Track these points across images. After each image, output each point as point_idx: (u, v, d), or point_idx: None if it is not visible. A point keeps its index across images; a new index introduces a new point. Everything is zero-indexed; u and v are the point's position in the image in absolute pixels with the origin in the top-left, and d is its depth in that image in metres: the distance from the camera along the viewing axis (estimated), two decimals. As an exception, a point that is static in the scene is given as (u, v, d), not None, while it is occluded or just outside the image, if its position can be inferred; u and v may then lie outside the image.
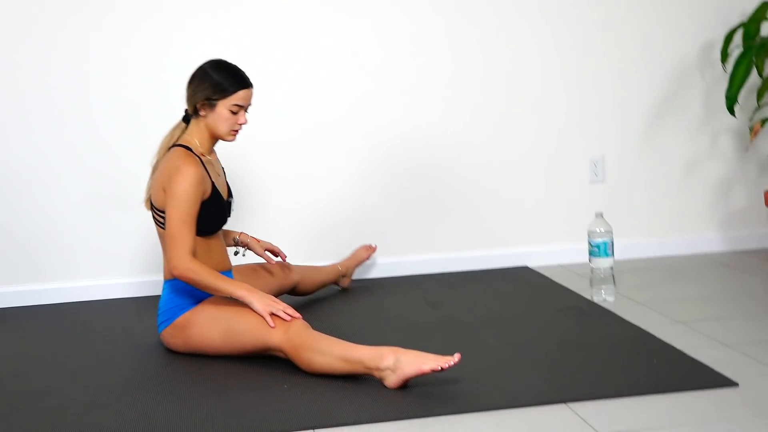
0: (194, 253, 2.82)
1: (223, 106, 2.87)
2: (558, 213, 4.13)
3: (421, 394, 2.48)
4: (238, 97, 2.87)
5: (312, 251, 3.91)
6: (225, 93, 2.86)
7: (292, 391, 2.55)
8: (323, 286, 3.66)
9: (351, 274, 3.81)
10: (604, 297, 3.38)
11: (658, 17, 4.10)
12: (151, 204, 2.93)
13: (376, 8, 3.94)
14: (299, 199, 3.95)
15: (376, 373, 2.54)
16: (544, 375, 2.58)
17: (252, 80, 2.94)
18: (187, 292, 2.91)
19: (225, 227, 3.16)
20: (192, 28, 3.84)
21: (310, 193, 3.96)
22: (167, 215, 2.81)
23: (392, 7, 3.95)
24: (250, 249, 3.26)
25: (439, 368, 2.45)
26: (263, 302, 2.75)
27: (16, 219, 3.79)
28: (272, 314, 2.75)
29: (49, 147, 3.78)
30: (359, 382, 2.58)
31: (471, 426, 2.27)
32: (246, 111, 2.93)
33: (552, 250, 4.12)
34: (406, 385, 2.51)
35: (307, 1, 3.89)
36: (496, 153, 4.07)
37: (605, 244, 3.38)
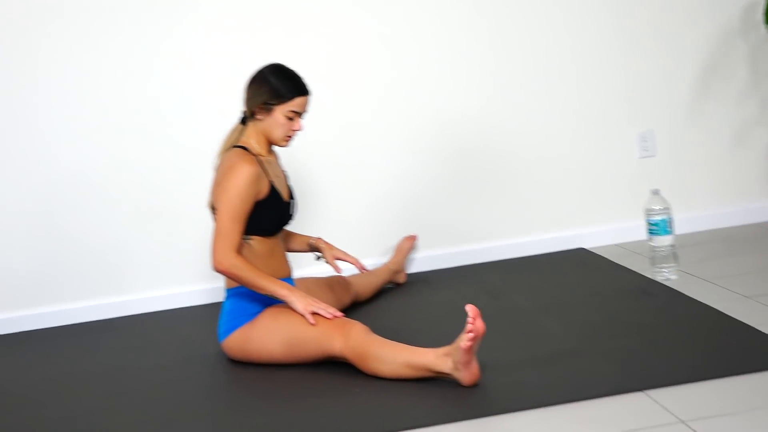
0: (239, 251, 2.82)
1: (280, 112, 2.86)
2: (610, 191, 4.07)
3: (494, 389, 2.45)
4: (295, 103, 2.86)
5: (366, 249, 3.90)
6: (282, 99, 2.85)
7: (363, 394, 2.54)
8: (381, 288, 3.65)
9: (404, 269, 3.80)
10: (667, 276, 3.33)
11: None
12: (212, 205, 2.94)
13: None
14: (349, 198, 3.94)
15: (444, 377, 2.52)
16: (616, 362, 2.54)
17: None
18: (249, 300, 2.90)
19: (300, 231, 3.19)
20: (226, 31, 3.83)
21: (358, 192, 3.95)
22: (218, 210, 2.81)
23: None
24: (321, 254, 3.21)
25: (471, 334, 2.39)
26: (304, 302, 2.75)
27: (73, 236, 3.83)
28: (324, 318, 2.75)
29: (106, 159, 3.82)
30: (430, 382, 2.55)
31: (548, 422, 2.24)
32: (301, 117, 2.92)
33: (606, 229, 4.07)
34: (479, 382, 2.48)
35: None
36: (541, 134, 4.02)
37: (664, 221, 3.32)
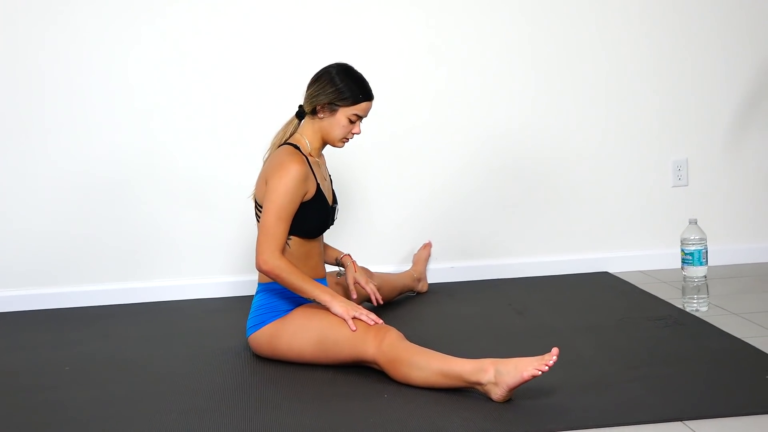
0: (284, 251, 2.78)
1: (344, 114, 2.84)
2: (639, 217, 4.05)
3: (529, 408, 2.41)
4: (360, 107, 2.85)
5: (393, 256, 3.90)
6: (349, 101, 2.83)
7: (394, 402, 2.50)
8: (402, 291, 3.63)
9: (425, 277, 3.77)
10: (697, 307, 3.30)
11: (738, 15, 4.00)
12: (255, 199, 2.90)
13: (459, 4, 3.88)
14: (384, 204, 3.94)
15: (479, 388, 2.47)
16: (652, 390, 2.50)
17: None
18: (280, 297, 2.87)
19: (331, 243, 3.17)
20: (272, 27, 3.81)
21: (393, 199, 3.95)
22: (264, 208, 2.78)
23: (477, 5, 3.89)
24: (344, 272, 3.15)
25: (540, 372, 2.37)
26: (345, 307, 2.71)
27: (114, 220, 3.83)
28: (359, 321, 2.71)
29: (147, 148, 3.82)
30: (461, 394, 2.52)
31: (589, 443, 2.21)
32: (361, 122, 2.89)
33: (632, 255, 4.04)
34: (512, 397, 2.45)
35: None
36: (577, 155, 4.00)
37: (699, 252, 3.29)
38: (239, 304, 3.58)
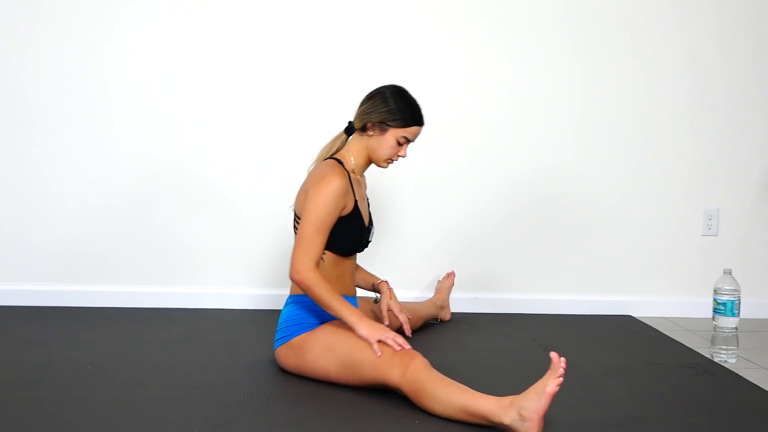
0: (318, 265, 2.75)
1: (393, 135, 2.85)
2: (666, 264, 4.02)
3: (563, 446, 2.37)
4: (410, 131, 2.86)
5: (423, 284, 3.88)
6: (400, 122, 2.84)
7: (425, 428, 2.45)
8: (428, 320, 3.60)
9: (448, 305, 3.74)
10: (726, 358, 3.26)
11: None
12: (294, 210, 2.88)
13: (500, 36, 3.88)
14: (416, 231, 3.93)
15: (504, 428, 2.41)
16: (688, 438, 2.46)
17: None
18: (310, 311, 2.83)
19: (370, 269, 3.16)
20: (322, 50, 3.81)
21: (425, 227, 3.93)
22: (302, 218, 2.75)
23: (519, 40, 3.89)
24: (379, 298, 3.14)
25: (560, 379, 2.34)
26: (371, 329, 2.66)
27: (145, 223, 3.82)
28: (386, 346, 2.67)
29: (179, 155, 3.82)
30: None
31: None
32: (408, 145, 2.91)
33: (656, 301, 4.01)
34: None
35: (435, 29, 3.85)
36: (609, 197, 3.98)
37: (732, 303, 3.26)
38: (266, 317, 3.55)
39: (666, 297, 4.01)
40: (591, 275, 4.00)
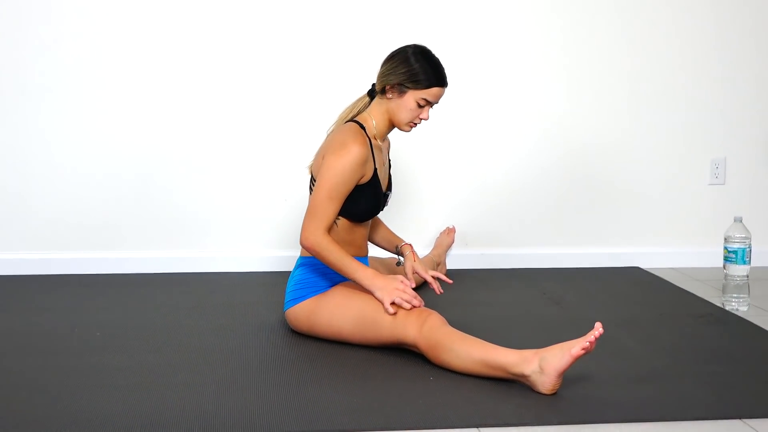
0: (329, 230, 2.70)
1: (413, 97, 2.70)
2: (673, 214, 3.99)
3: (581, 398, 2.34)
4: (430, 92, 2.70)
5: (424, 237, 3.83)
6: (418, 84, 2.69)
7: (440, 384, 2.43)
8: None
9: (444, 262, 3.72)
10: (736, 306, 3.24)
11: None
12: (311, 172, 2.81)
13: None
14: (424, 186, 3.88)
15: (523, 380, 2.39)
16: (706, 386, 2.44)
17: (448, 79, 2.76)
18: (321, 273, 2.79)
19: (392, 228, 3.08)
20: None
21: (432, 184, 3.89)
22: (316, 185, 2.68)
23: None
24: (403, 261, 2.97)
25: (586, 350, 2.30)
26: (387, 290, 2.61)
27: (148, 188, 3.78)
28: (409, 312, 2.65)
29: (193, 120, 3.76)
30: (508, 381, 2.45)
31: (648, 437, 2.15)
32: (431, 107, 2.76)
33: (663, 251, 3.99)
34: (558, 390, 2.37)
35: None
36: (614, 149, 3.94)
37: (743, 251, 3.24)
38: (275, 279, 3.53)
39: (674, 247, 3.99)
40: (598, 227, 3.97)
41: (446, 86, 2.73)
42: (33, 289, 3.48)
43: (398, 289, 2.63)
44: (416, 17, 3.79)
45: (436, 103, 2.75)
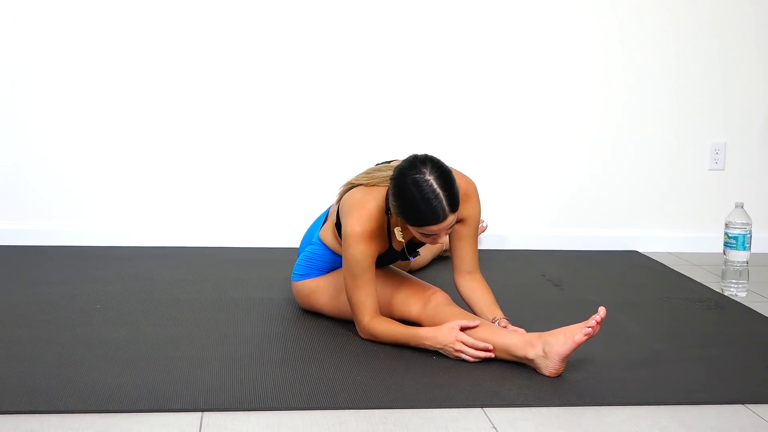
0: (377, 311, 2.58)
1: (413, 228, 2.46)
2: (672, 199, 4.00)
3: (584, 381, 2.35)
4: (427, 229, 2.41)
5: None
6: (412, 223, 2.42)
7: (443, 363, 2.43)
8: (436, 255, 3.56)
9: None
10: (736, 292, 3.25)
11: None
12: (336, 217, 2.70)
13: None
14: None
15: (527, 363, 2.39)
16: (707, 371, 2.45)
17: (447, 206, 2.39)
18: (331, 263, 2.78)
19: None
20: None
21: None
22: (344, 278, 2.57)
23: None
24: None
25: (588, 335, 2.29)
26: (447, 338, 2.45)
27: (146, 160, 3.76)
28: (408, 282, 2.64)
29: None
30: (510, 362, 2.45)
31: (652, 419, 2.14)
32: (448, 230, 2.45)
33: (662, 236, 3.99)
34: (562, 374, 2.37)
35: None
36: (614, 131, 3.94)
37: (744, 236, 3.25)
38: (275, 255, 3.54)
39: (672, 232, 3.99)
40: (596, 211, 3.97)
41: (447, 217, 2.38)
42: (30, 261, 3.46)
43: (457, 340, 2.45)
44: (414, 19, 3.77)
45: (446, 229, 2.43)
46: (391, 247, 2.64)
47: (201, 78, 3.72)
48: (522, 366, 2.41)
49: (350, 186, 2.65)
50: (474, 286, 2.69)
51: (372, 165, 2.75)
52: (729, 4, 3.90)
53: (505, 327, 2.53)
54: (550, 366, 2.34)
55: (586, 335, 2.29)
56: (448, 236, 2.58)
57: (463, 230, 2.66)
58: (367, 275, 2.54)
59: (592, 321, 2.31)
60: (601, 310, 2.33)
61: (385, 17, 3.75)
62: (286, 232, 3.67)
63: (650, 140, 3.95)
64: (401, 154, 2.59)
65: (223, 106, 3.75)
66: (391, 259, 2.71)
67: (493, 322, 2.56)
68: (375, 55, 3.77)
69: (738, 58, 3.93)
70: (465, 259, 2.69)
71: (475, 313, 2.64)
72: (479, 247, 3.76)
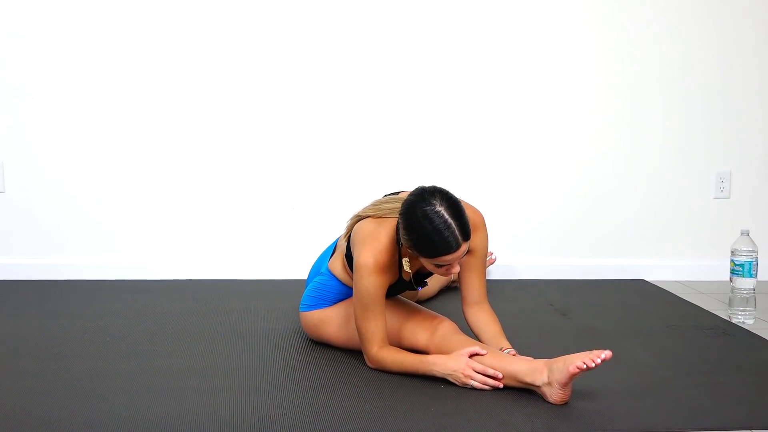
0: (385, 341, 2.59)
1: (426, 261, 2.47)
2: (678, 227, 4.01)
3: (591, 408, 2.35)
4: (441, 259, 2.42)
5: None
6: (425, 254, 2.43)
7: (451, 392, 2.44)
8: (441, 288, 3.58)
9: None
10: (743, 319, 3.26)
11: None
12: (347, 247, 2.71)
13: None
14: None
15: (534, 389, 2.41)
16: (715, 397, 2.45)
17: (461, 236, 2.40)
18: (340, 293, 2.80)
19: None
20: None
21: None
22: (354, 308, 2.59)
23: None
24: None
25: (590, 364, 2.27)
26: (458, 364, 2.47)
27: (154, 196, 3.80)
28: (417, 311, 2.67)
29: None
30: (517, 389, 2.46)
31: (660, 446, 2.15)
32: (461, 259, 2.46)
33: (668, 264, 4.01)
34: (569, 400, 2.37)
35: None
36: (620, 160, 3.96)
37: (750, 264, 3.26)
38: (281, 286, 3.56)
39: (679, 260, 4.01)
40: (603, 240, 3.99)
41: (459, 247, 2.40)
42: (43, 294, 3.50)
43: (467, 367, 2.47)
44: (420, 54, 3.82)
45: (459, 258, 2.44)
46: (400, 278, 2.66)
47: (209, 112, 3.77)
48: (530, 393, 2.42)
49: (359, 218, 2.68)
50: (482, 317, 2.70)
51: (379, 197, 2.78)
52: (734, 33, 3.94)
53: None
54: (554, 393, 2.35)
55: (579, 368, 2.29)
56: None
57: (471, 261, 2.67)
58: (378, 307, 2.56)
59: (597, 359, 2.29)
60: (608, 354, 2.32)
61: (391, 53, 3.80)
62: (294, 264, 3.70)
63: (656, 169, 3.97)
64: (408, 186, 2.62)
65: (231, 138, 3.79)
66: (399, 289, 2.73)
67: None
68: (381, 91, 3.82)
69: (742, 86, 3.96)
70: (472, 289, 2.70)
71: (479, 332, 2.66)
72: (488, 278, 3.82)
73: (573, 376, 2.31)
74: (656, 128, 3.95)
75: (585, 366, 2.29)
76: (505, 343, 2.61)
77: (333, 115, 3.82)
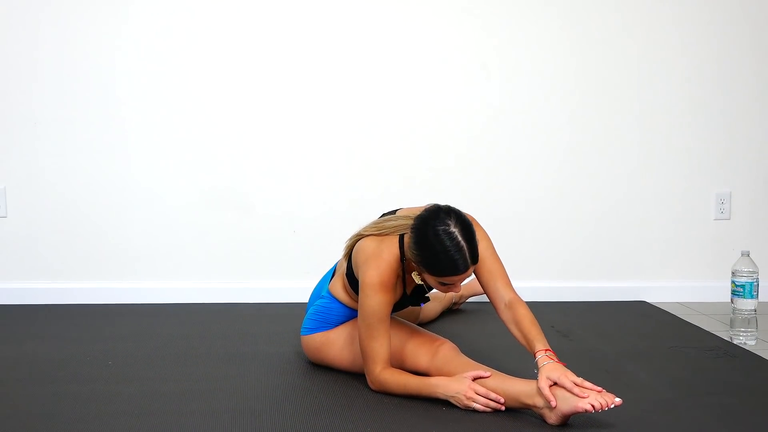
0: (388, 361, 2.59)
1: (432, 278, 2.49)
2: (679, 249, 4.01)
3: (594, 429, 2.35)
4: (448, 279, 2.46)
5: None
6: (433, 272, 2.46)
7: (453, 414, 2.44)
8: (446, 308, 3.59)
9: (464, 301, 3.73)
10: (745, 340, 3.25)
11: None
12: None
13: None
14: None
15: (534, 410, 2.41)
16: (720, 419, 2.44)
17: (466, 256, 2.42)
18: (337, 313, 2.80)
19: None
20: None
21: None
22: (358, 325, 2.59)
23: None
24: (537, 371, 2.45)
25: (598, 408, 2.28)
26: (460, 387, 2.47)
27: (154, 218, 3.81)
28: (417, 334, 2.67)
29: (194, 152, 3.79)
30: (522, 410, 2.46)
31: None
32: (463, 279, 2.49)
33: (669, 286, 4.00)
34: (568, 420, 2.37)
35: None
36: (620, 182, 3.97)
37: (751, 285, 3.26)
38: (282, 310, 3.56)
39: (680, 282, 4.01)
40: (604, 262, 3.99)
41: (466, 270, 2.43)
42: (45, 319, 3.50)
43: (470, 389, 2.46)
44: (422, 78, 3.84)
45: (462, 280, 2.48)
46: (404, 294, 2.66)
47: (209, 139, 3.79)
48: (531, 415, 2.42)
49: (359, 237, 2.68)
50: (507, 317, 2.57)
51: (377, 217, 2.78)
52: (734, 54, 3.95)
53: (547, 364, 2.39)
54: (554, 417, 2.35)
55: (588, 411, 2.28)
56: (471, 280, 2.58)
57: (483, 270, 2.60)
58: (383, 326, 2.55)
59: (609, 403, 2.28)
60: (619, 402, 2.30)
61: (391, 74, 3.82)
62: (295, 288, 3.70)
63: (656, 191, 3.98)
64: (406, 206, 2.63)
65: (231, 162, 3.81)
66: (402, 305, 2.73)
67: (535, 363, 2.44)
68: (384, 113, 3.84)
69: (742, 107, 3.98)
70: (496, 297, 2.60)
71: (514, 331, 2.57)
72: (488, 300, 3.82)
73: (577, 412, 2.31)
74: (656, 150, 3.96)
75: (593, 410, 2.28)
76: (538, 345, 2.46)
77: (334, 142, 3.83)
